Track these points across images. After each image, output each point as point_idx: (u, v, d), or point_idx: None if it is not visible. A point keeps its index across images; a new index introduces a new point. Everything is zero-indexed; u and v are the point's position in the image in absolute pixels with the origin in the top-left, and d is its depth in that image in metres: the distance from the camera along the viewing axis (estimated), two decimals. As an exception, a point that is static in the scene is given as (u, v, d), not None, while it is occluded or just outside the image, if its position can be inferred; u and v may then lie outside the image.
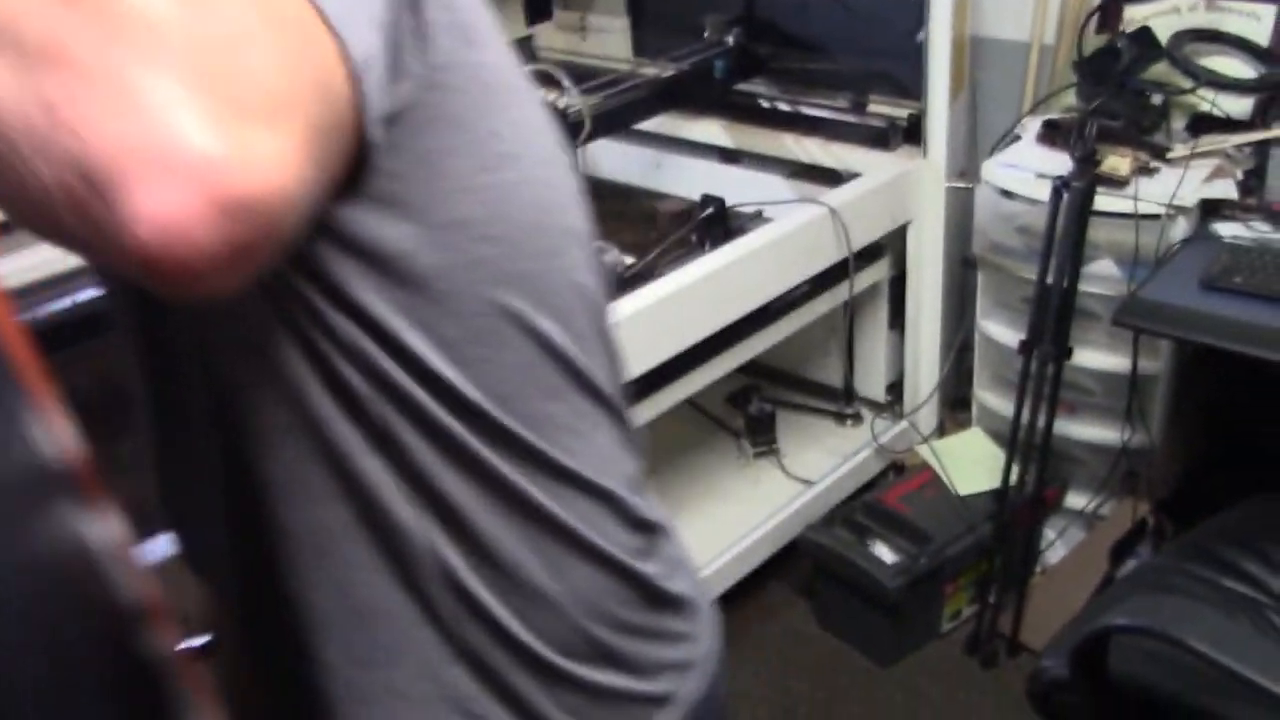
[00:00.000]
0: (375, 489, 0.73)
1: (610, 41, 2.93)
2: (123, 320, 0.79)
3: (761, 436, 2.56)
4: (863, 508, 2.29)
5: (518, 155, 0.73)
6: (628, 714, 0.88)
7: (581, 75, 2.43)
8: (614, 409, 0.84)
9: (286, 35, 0.54)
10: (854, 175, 2.39)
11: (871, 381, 2.64)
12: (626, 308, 1.92)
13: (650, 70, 2.54)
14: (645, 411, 2.05)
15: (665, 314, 1.96)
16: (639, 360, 1.95)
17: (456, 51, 0.68)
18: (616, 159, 2.84)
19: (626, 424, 0.87)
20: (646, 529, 0.87)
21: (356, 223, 0.66)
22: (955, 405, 2.63)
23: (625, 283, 2.04)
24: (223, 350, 0.72)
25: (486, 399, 0.74)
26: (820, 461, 2.53)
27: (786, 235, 2.14)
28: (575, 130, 2.22)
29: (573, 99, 2.22)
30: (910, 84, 2.38)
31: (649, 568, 0.87)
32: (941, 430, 2.60)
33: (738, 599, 2.35)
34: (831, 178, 2.46)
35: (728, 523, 2.36)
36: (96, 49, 0.48)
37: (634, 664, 0.88)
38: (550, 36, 3.00)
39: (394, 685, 0.80)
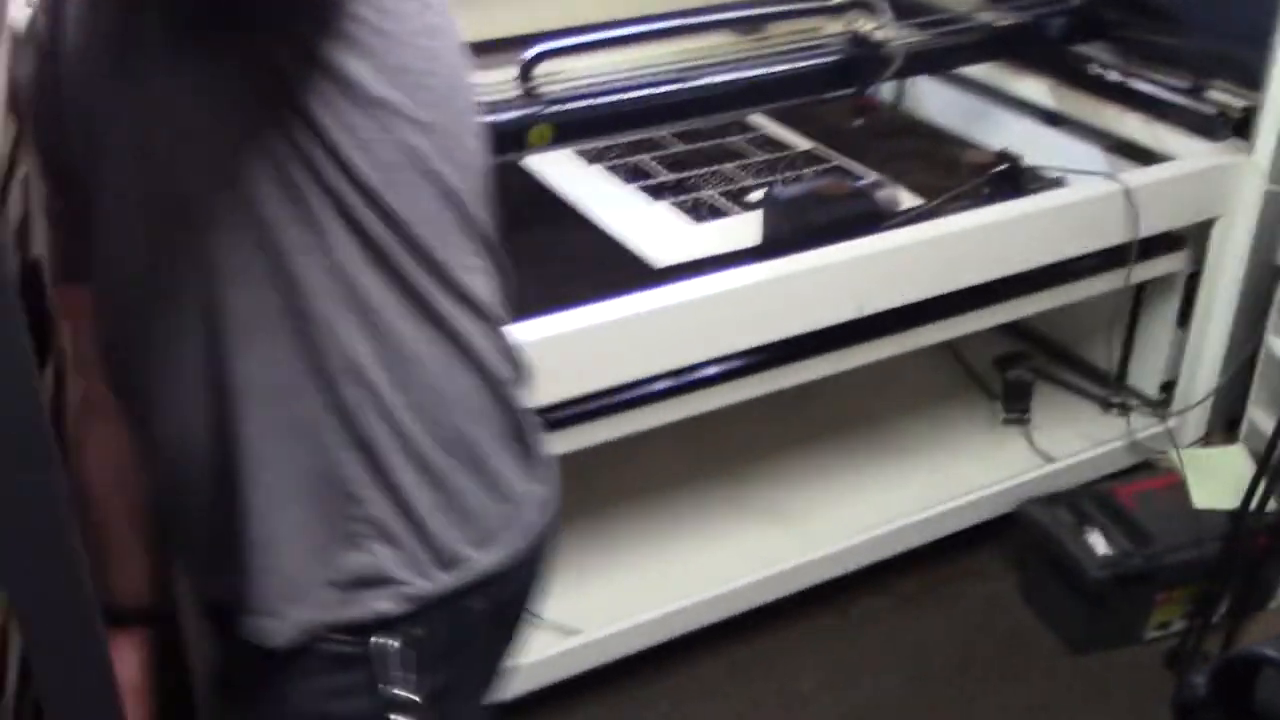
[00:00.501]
0: (304, 282, 0.91)
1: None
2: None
3: (1015, 403, 2.53)
4: (1091, 495, 2.25)
5: (444, 30, 0.94)
6: (471, 529, 1.02)
7: (914, 10, 2.44)
8: (498, 262, 1.02)
9: None
10: (1169, 159, 2.29)
11: (1146, 375, 2.54)
12: (898, 240, 1.97)
13: (987, 16, 2.51)
14: (903, 344, 2.11)
15: (934, 254, 1.99)
16: (899, 295, 2.00)
17: None
18: (939, 101, 2.83)
19: (505, 280, 1.04)
20: (519, 368, 1.06)
21: (328, 52, 0.86)
22: (1228, 419, 2.50)
23: (895, 221, 2.07)
24: (192, 154, 0.90)
25: (409, 215, 0.92)
26: (1070, 442, 2.47)
27: (1069, 205, 2.10)
28: (883, 64, 2.25)
29: (886, 31, 2.24)
30: (1255, 74, 2.24)
31: (519, 404, 1.06)
32: (1206, 442, 2.48)
33: (949, 554, 2.37)
34: (1148, 159, 2.36)
35: (955, 476, 2.37)
36: None
37: (493, 483, 1.03)
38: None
39: (296, 459, 0.95)
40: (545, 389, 1.64)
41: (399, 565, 1.00)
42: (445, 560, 1.02)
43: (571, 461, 2.03)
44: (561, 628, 2.01)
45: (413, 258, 0.94)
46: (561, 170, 2.43)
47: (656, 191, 2.39)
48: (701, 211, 2.31)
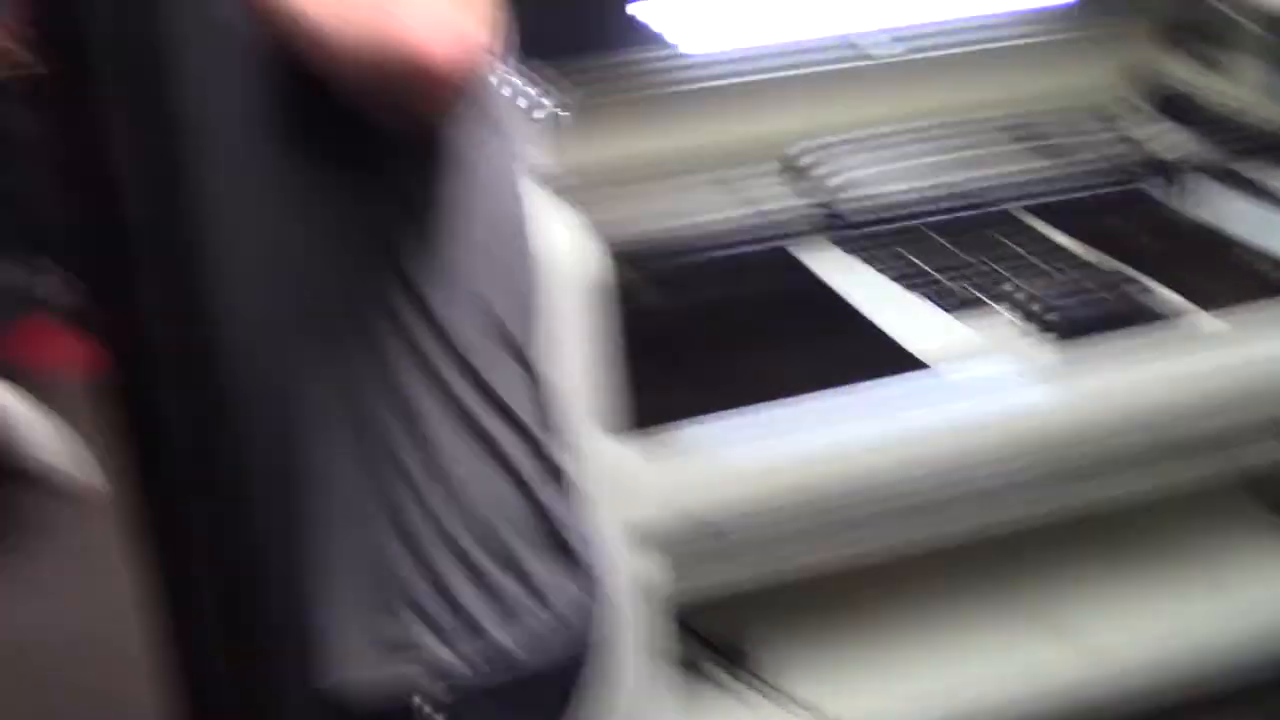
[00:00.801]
0: (365, 391, 1.04)
1: (1239, 83, 2.80)
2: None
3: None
4: None
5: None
6: (510, 626, 1.09)
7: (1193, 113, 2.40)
8: (534, 375, 1.12)
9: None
10: None
11: None
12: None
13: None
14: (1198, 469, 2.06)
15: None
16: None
17: None
18: (1220, 208, 2.73)
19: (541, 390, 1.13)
20: (560, 477, 1.13)
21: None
22: None
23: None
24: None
25: (456, 331, 1.04)
26: None
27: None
28: (1155, 169, 2.19)
29: (1162, 137, 2.20)
30: None
31: (558, 510, 1.12)
32: None
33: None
34: None
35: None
36: None
37: (529, 583, 1.10)
38: (1184, 71, 2.91)
39: (348, 548, 1.06)
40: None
41: (445, 654, 1.07)
42: (488, 654, 1.08)
43: None
44: (822, 713, 2.02)
45: (456, 369, 1.05)
46: (835, 266, 2.44)
47: (911, 282, 2.33)
48: (954, 304, 2.26)
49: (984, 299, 2.28)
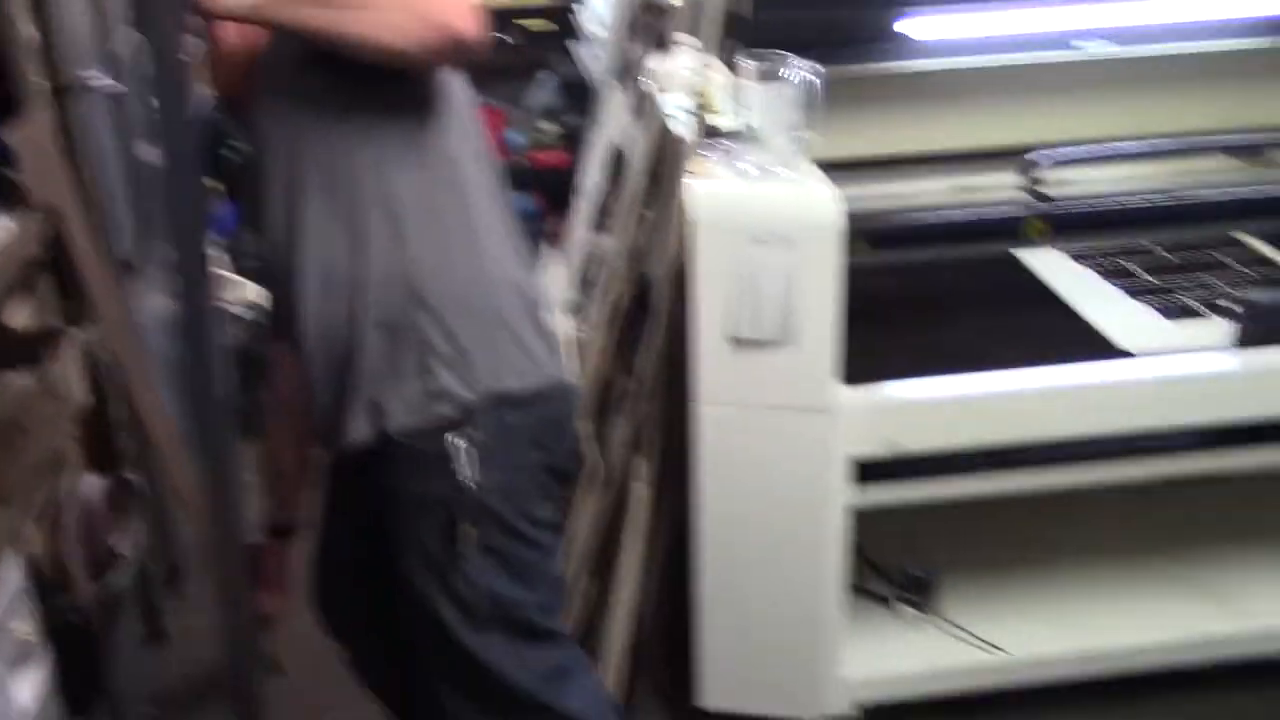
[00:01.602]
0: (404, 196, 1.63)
1: None
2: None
3: None
4: None
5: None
6: (500, 363, 1.64)
7: None
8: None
9: None
10: None
11: None
12: None
13: None
14: None
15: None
16: None
17: None
18: None
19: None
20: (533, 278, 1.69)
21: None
22: None
23: None
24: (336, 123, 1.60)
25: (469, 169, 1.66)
26: None
27: None
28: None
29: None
30: None
31: (538, 304, 1.70)
32: None
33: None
34: None
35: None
36: None
37: (518, 339, 1.65)
38: None
39: (383, 320, 1.63)
40: (1013, 431, 2.05)
41: (452, 382, 1.59)
42: (482, 380, 1.60)
43: (1040, 503, 2.40)
44: (992, 646, 2.34)
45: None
46: (1051, 264, 2.76)
47: (1136, 291, 2.64)
48: (1175, 311, 2.54)
49: (1189, 304, 2.55)
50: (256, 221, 1.67)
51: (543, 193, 4.94)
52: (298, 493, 1.93)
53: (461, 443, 1.60)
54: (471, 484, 1.61)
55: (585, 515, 2.22)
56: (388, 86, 1.55)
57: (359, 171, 1.57)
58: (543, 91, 4.96)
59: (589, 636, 2.23)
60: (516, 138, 4.92)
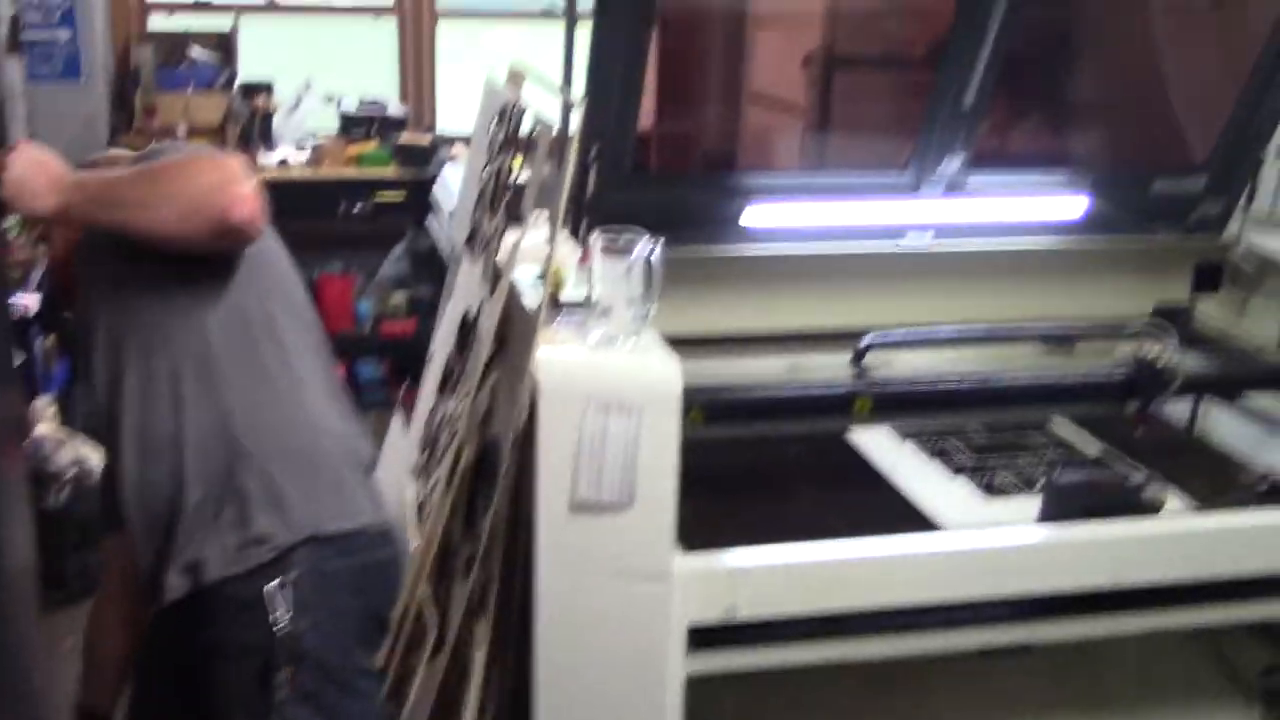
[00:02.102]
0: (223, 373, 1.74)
1: (1262, 324, 3.21)
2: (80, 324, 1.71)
3: (1273, 713, 2.71)
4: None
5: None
6: (317, 506, 1.76)
7: (1205, 341, 2.84)
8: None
9: None
10: None
11: None
12: (1156, 526, 2.35)
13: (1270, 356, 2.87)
14: (1150, 622, 2.44)
15: (1177, 543, 2.33)
16: (1155, 573, 2.33)
17: None
18: (1233, 430, 3.13)
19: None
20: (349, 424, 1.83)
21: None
22: None
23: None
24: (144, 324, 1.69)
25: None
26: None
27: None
28: (1162, 386, 2.65)
29: (1170, 357, 2.64)
30: None
31: (356, 448, 1.87)
32: None
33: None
34: None
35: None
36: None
37: (336, 486, 1.79)
38: (1212, 308, 3.34)
39: (209, 472, 1.72)
40: (841, 599, 2.13)
41: (268, 526, 1.67)
42: (299, 523, 1.68)
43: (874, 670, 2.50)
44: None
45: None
46: (878, 443, 2.91)
47: (956, 470, 2.80)
48: (993, 490, 2.71)
49: (1005, 484, 2.72)
50: (89, 380, 1.71)
51: (389, 360, 4.99)
52: (115, 683, 1.88)
53: (278, 588, 1.65)
54: (288, 629, 1.64)
55: (423, 680, 2.20)
56: (193, 258, 1.63)
57: (173, 334, 1.64)
58: (394, 262, 5.05)
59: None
60: (366, 306, 4.98)
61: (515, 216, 2.34)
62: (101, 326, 1.70)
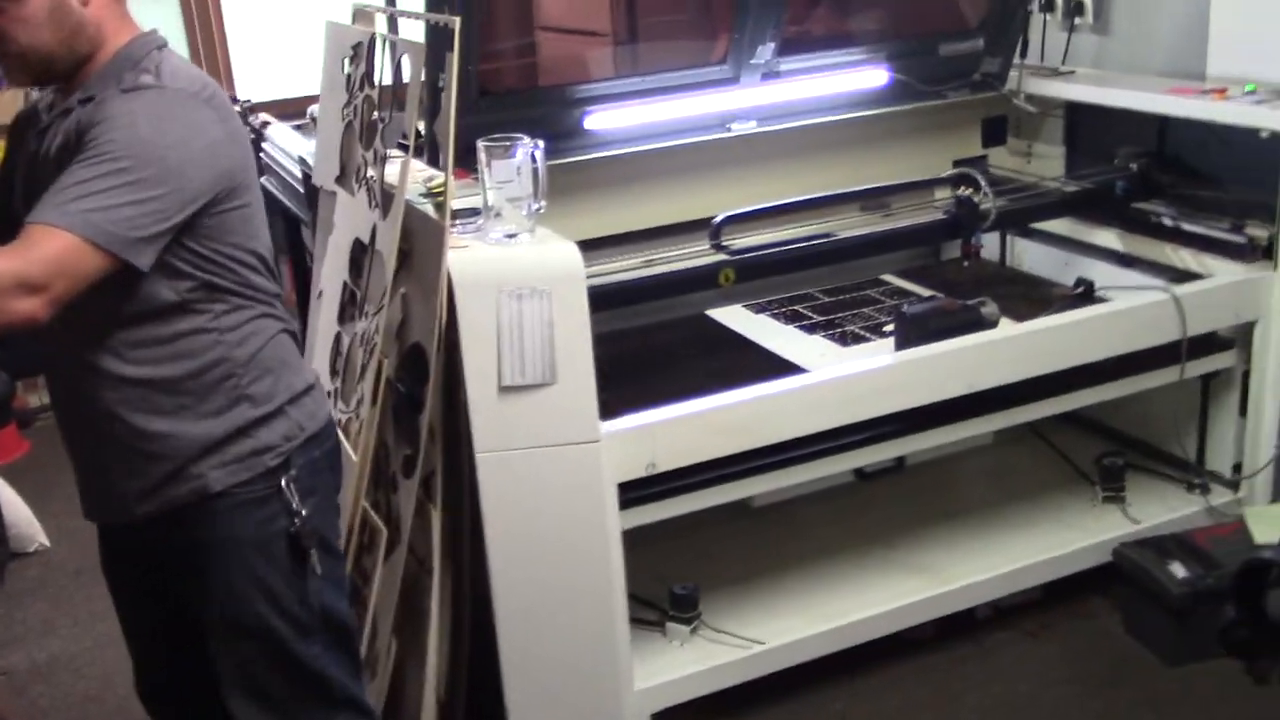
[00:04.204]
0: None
1: (1048, 165, 3.62)
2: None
3: (1111, 484, 3.12)
4: (1172, 539, 2.82)
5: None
6: (301, 413, 1.90)
7: (1004, 183, 3.20)
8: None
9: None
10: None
11: (1220, 459, 3.12)
12: (997, 335, 2.71)
13: (1070, 187, 3.26)
14: (1001, 422, 2.79)
15: (1025, 345, 2.70)
16: (1001, 376, 2.67)
17: None
18: (1038, 257, 3.53)
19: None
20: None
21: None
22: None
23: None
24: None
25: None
26: (1159, 514, 3.04)
27: (1130, 309, 2.79)
28: (983, 218, 3.00)
29: (984, 198, 2.99)
30: (1274, 210, 2.91)
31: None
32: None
33: (1064, 600, 2.95)
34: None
35: (1064, 539, 2.97)
36: None
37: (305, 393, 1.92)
38: (1001, 158, 3.72)
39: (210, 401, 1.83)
40: (744, 440, 2.39)
41: (273, 437, 1.83)
42: (294, 430, 1.86)
43: (773, 514, 2.79)
44: (751, 639, 2.65)
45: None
46: (737, 317, 3.20)
47: (810, 328, 3.11)
48: (847, 339, 3.02)
49: (857, 332, 3.04)
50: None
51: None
52: None
53: (289, 483, 1.83)
54: (301, 514, 1.83)
55: (383, 577, 2.36)
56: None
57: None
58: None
59: (396, 693, 2.36)
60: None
61: (382, 148, 2.48)
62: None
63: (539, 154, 2.27)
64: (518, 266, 2.21)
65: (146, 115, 1.67)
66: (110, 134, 1.64)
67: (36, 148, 1.79)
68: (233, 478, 1.80)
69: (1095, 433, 3.43)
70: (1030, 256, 3.55)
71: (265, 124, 4.00)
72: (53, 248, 1.58)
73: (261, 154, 3.85)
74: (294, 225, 3.69)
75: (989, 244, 3.60)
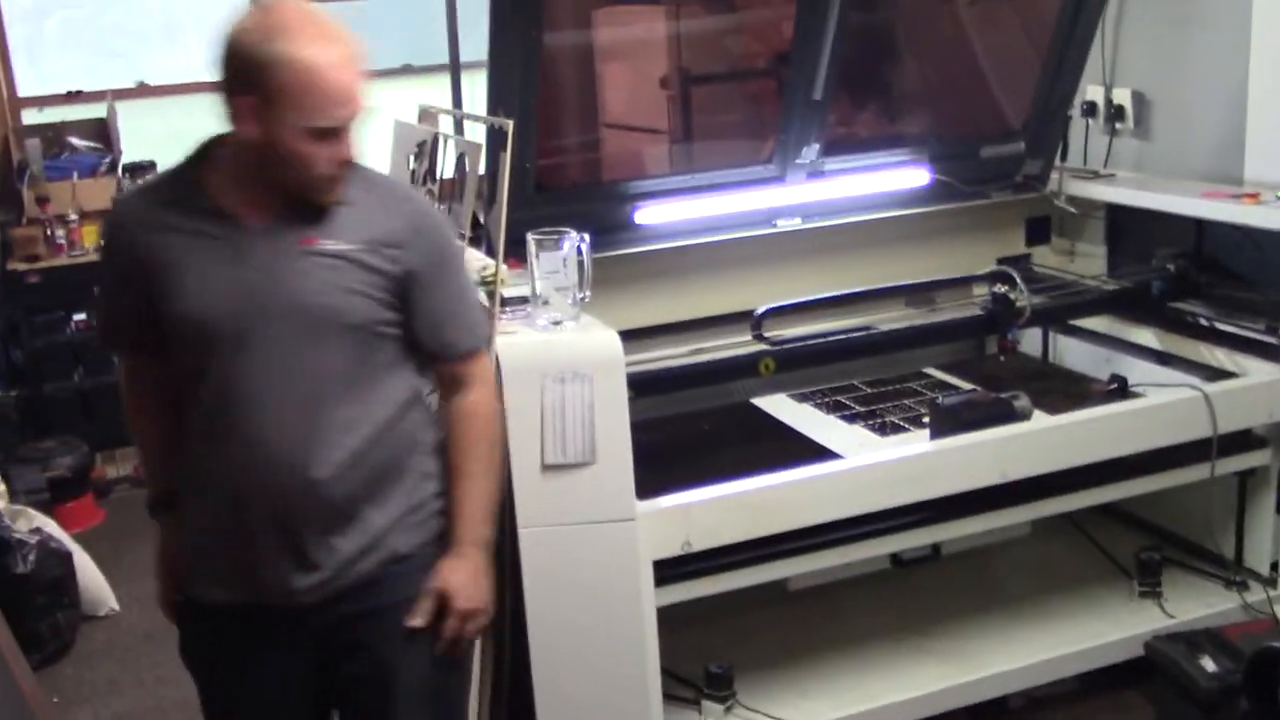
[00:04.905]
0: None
1: (1090, 264, 3.70)
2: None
3: (1148, 579, 3.15)
4: (1205, 634, 2.85)
5: None
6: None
7: (1045, 281, 3.30)
8: None
9: None
10: (1246, 379, 3.01)
11: (1258, 557, 3.15)
12: (1031, 427, 2.79)
13: (1109, 286, 3.35)
14: (1034, 512, 2.88)
15: (1058, 437, 2.78)
16: (1035, 466, 2.75)
17: None
18: (1078, 354, 3.61)
19: None
20: None
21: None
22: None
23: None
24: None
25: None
26: (1194, 610, 3.07)
27: (1161, 405, 2.85)
28: (1018, 315, 3.09)
29: (1019, 295, 3.09)
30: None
31: None
32: (1310, 603, 3.04)
33: (1099, 693, 2.98)
34: (1235, 382, 3.08)
35: (1099, 629, 3.01)
36: None
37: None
38: (1045, 256, 3.82)
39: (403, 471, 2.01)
40: (777, 521, 2.48)
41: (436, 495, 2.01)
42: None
43: (809, 598, 2.86)
44: (785, 720, 2.73)
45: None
46: (780, 405, 3.30)
47: (851, 418, 3.20)
48: (886, 430, 3.11)
49: (896, 423, 3.12)
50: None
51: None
52: (164, 464, 2.05)
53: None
54: None
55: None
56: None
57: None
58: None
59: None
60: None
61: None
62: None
63: (585, 247, 2.42)
64: (562, 352, 2.35)
65: None
66: None
67: None
68: None
69: (1135, 527, 3.47)
70: (1071, 353, 3.62)
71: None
72: None
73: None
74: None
75: (1032, 340, 3.70)
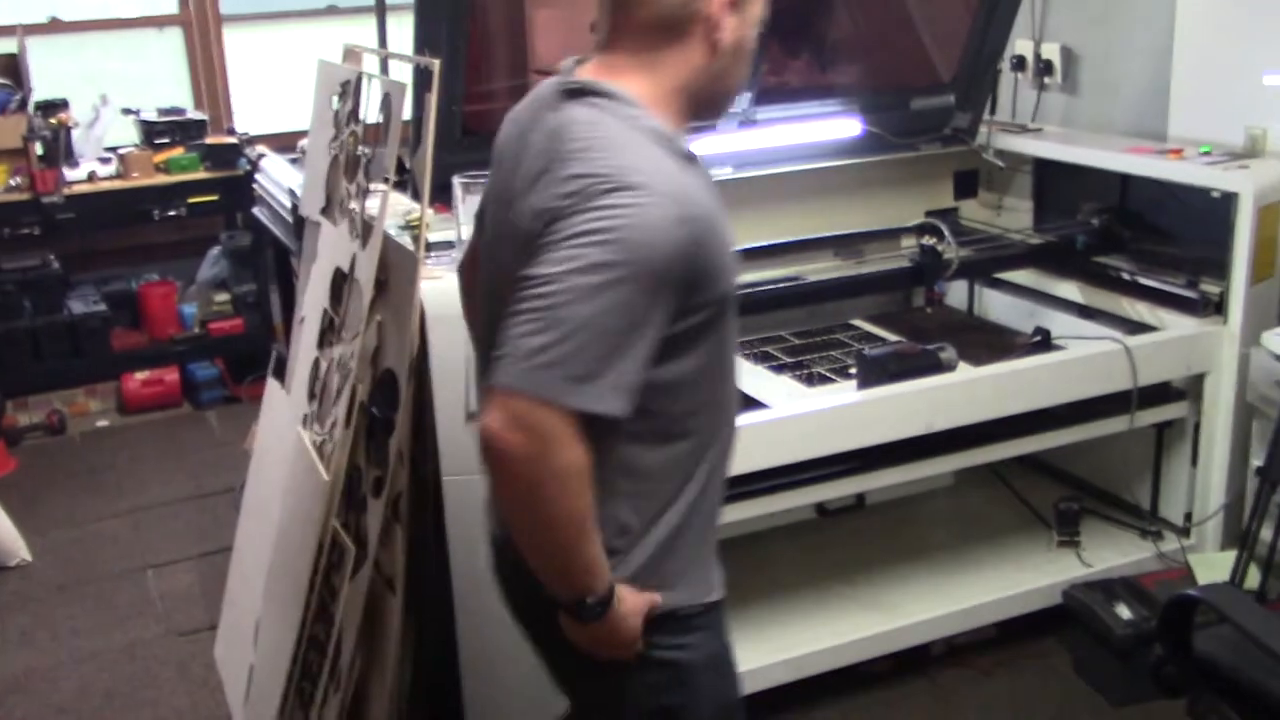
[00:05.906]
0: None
1: (1017, 217, 3.73)
2: None
3: (1067, 529, 3.21)
4: (1120, 582, 2.91)
5: None
6: None
7: (972, 234, 3.31)
8: None
9: None
10: (1167, 333, 3.06)
11: (1173, 507, 3.21)
12: (956, 378, 2.80)
13: (1033, 239, 3.37)
14: (958, 462, 2.90)
15: (982, 389, 2.80)
16: (959, 418, 2.77)
17: None
18: (1003, 307, 3.64)
19: None
20: None
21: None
22: (1239, 535, 3.13)
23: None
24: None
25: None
26: (1111, 559, 3.13)
27: (1083, 357, 2.88)
28: (945, 267, 3.10)
29: (947, 247, 3.10)
30: (1226, 269, 3.01)
31: None
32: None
33: (1016, 640, 3.03)
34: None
35: (1017, 579, 3.05)
36: None
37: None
38: (973, 210, 3.84)
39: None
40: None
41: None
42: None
43: (735, 547, 2.85)
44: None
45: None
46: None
47: (779, 369, 3.21)
48: (813, 380, 3.12)
49: (823, 373, 3.13)
50: None
51: (222, 359, 5.10)
52: None
53: None
54: None
55: (349, 596, 2.44)
56: None
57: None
58: (211, 265, 5.15)
59: (358, 706, 2.43)
60: (190, 311, 5.08)
61: (367, 181, 2.59)
62: None
63: (512, 191, 2.38)
64: (487, 297, 2.31)
65: None
66: None
67: None
68: None
69: (1055, 479, 3.53)
70: (996, 306, 3.65)
71: (261, 156, 4.13)
72: None
73: (255, 185, 3.98)
74: (284, 254, 3.81)
75: (958, 293, 3.73)
